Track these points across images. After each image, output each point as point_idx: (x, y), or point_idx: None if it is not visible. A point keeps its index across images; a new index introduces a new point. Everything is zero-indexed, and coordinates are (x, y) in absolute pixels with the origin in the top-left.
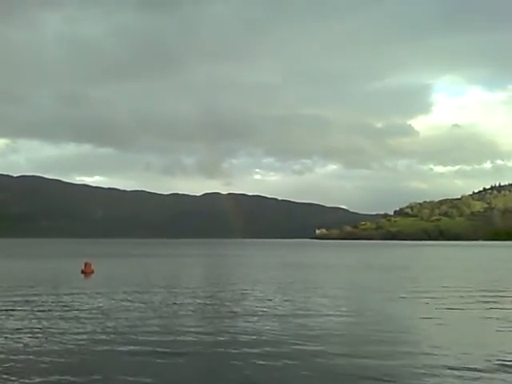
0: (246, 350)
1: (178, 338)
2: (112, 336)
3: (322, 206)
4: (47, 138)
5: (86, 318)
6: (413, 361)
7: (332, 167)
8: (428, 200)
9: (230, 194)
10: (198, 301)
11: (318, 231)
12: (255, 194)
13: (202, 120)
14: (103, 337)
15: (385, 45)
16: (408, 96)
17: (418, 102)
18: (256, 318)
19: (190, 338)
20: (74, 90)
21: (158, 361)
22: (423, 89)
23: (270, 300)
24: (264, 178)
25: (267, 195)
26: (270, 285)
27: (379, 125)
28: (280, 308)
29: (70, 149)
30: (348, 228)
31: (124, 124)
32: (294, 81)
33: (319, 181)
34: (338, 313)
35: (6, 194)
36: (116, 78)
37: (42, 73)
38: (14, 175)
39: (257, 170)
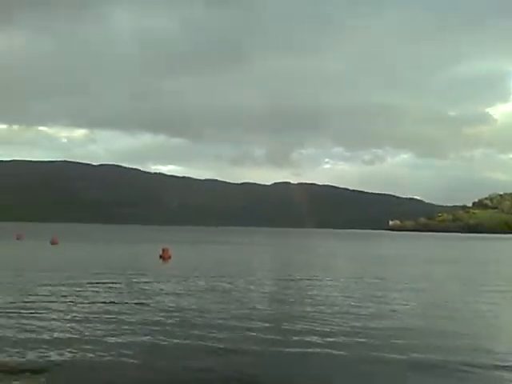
0: (314, 341)
1: (248, 325)
2: (184, 320)
3: (396, 196)
4: (124, 129)
5: (161, 302)
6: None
7: (404, 157)
8: (509, 192)
9: (299, 183)
10: (270, 288)
11: (391, 222)
12: (325, 183)
13: (271, 111)
14: (176, 320)
15: (459, 29)
16: (485, 83)
17: (495, 88)
18: (328, 311)
19: (257, 327)
20: (147, 82)
21: (220, 346)
22: (502, 75)
23: (343, 291)
24: (334, 168)
25: (338, 185)
26: (343, 276)
27: (454, 113)
28: (354, 300)
29: (146, 139)
30: (423, 219)
31: (195, 115)
32: (362, 69)
33: (391, 171)
34: (411, 307)
35: (87, 181)
36: (186, 71)
37: (116, 67)
38: (94, 164)
39: (326, 160)
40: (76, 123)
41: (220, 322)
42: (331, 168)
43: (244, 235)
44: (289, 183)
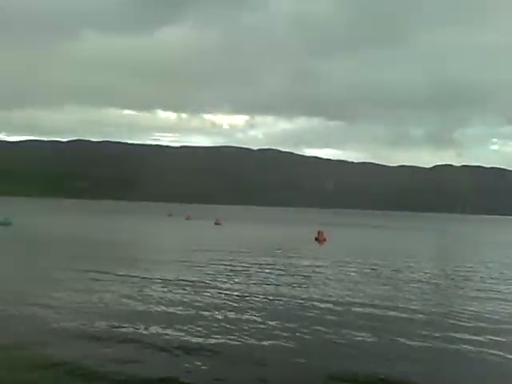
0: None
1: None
2: (340, 307)
3: None
4: (281, 114)
5: (317, 285)
6: None
7: None
8: None
9: (463, 166)
10: (428, 276)
11: None
12: (493, 166)
13: (432, 88)
14: (331, 305)
15: None
16: None
17: None
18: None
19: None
20: (303, 66)
21: (359, 334)
22: None
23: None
24: (503, 149)
25: (507, 167)
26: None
27: None
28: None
29: (301, 123)
30: None
31: (351, 96)
32: None
33: None
34: None
35: (247, 165)
36: (343, 51)
37: (273, 52)
38: (254, 148)
39: (494, 140)
40: (237, 110)
41: (377, 310)
42: (500, 149)
43: (401, 220)
44: (451, 166)
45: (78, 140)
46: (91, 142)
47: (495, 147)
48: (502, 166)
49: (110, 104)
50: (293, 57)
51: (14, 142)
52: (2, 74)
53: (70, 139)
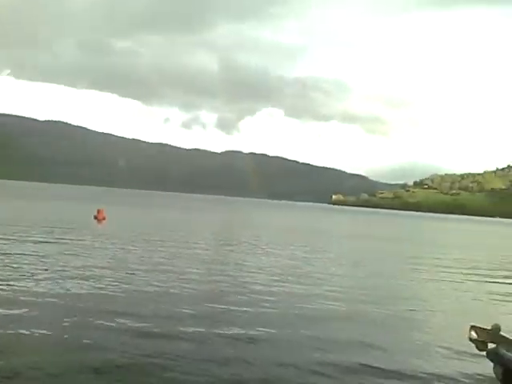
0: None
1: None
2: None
3: (343, 171)
4: (70, 85)
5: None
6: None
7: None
8: (450, 173)
9: (250, 153)
10: (203, 257)
11: (334, 197)
12: (276, 155)
13: (224, 77)
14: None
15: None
16: None
17: None
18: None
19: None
20: (97, 39)
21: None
22: None
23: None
24: (284, 140)
25: (288, 157)
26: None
27: None
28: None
29: (94, 97)
30: (365, 196)
31: (146, 76)
32: (318, 43)
33: (340, 145)
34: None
35: (33, 137)
36: (141, 29)
37: (67, 21)
38: (40, 119)
39: (277, 131)
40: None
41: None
42: (282, 140)
43: (187, 201)
44: (240, 152)
45: None
46: None
47: (278, 138)
48: (284, 156)
49: None
50: (87, 29)
51: None
52: None
53: None
